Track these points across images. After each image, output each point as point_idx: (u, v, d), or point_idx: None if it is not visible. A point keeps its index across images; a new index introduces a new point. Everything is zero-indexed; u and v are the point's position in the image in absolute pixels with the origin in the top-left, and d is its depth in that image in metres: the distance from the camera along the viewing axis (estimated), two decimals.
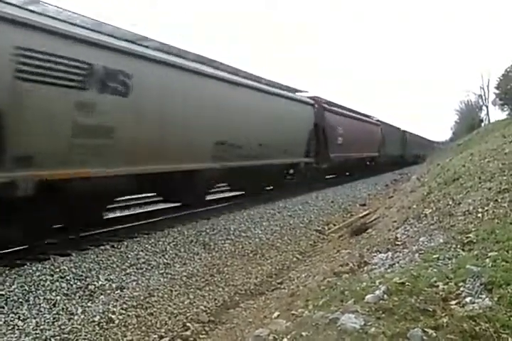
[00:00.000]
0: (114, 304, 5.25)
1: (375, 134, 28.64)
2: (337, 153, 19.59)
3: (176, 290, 5.92)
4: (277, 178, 15.71)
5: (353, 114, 24.62)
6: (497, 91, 30.48)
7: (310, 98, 17.92)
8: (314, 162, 17.36)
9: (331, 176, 22.38)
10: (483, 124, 44.08)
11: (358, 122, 24.65)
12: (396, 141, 36.18)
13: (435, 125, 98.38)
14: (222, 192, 15.04)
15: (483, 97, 50.64)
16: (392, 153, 33.82)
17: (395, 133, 36.83)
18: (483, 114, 52.69)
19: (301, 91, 17.49)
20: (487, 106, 50.11)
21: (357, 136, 22.86)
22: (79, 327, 4.67)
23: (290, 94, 15.92)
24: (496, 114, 64.79)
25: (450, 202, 6.02)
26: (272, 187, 15.97)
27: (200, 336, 4.86)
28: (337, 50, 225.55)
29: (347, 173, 25.06)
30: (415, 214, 6.28)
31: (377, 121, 30.85)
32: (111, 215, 10.38)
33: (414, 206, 6.99)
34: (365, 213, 10.59)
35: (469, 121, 51.59)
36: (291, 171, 16.62)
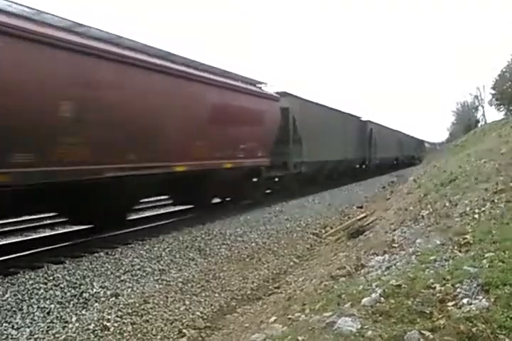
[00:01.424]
0: (109, 311, 5.19)
1: (260, 117, 13.10)
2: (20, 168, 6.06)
3: (171, 297, 5.85)
4: None
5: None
6: (493, 92, 30.56)
7: None
8: None
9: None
10: (479, 125, 44.24)
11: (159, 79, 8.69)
12: (345, 136, 22.75)
13: (432, 126, 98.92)
14: None
15: (480, 98, 50.83)
16: (328, 157, 19.53)
17: (346, 123, 22.98)
18: (479, 115, 52.90)
19: None
20: (483, 107, 50.29)
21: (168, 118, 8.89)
22: (73, 335, 4.61)
23: None
24: (493, 114, 65.30)
25: (447, 204, 6.00)
26: None
27: None
28: (337, 50, 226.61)
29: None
30: (412, 216, 6.26)
31: (277, 93, 14.79)
32: None
33: (411, 208, 6.97)
34: (362, 215, 10.54)
35: (466, 121, 51.78)
36: None
